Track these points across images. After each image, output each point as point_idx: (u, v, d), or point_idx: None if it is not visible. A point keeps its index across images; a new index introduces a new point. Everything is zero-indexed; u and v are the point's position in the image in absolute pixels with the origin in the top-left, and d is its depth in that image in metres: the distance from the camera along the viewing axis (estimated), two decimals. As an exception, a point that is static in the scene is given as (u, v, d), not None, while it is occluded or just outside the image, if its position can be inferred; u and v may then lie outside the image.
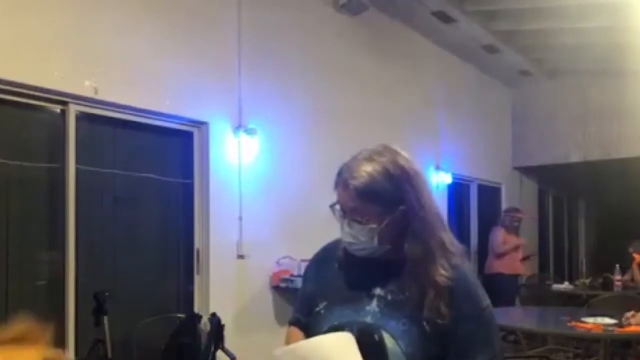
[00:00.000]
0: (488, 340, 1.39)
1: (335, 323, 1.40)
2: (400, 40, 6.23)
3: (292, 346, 1.40)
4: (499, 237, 7.08)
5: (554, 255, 10.07)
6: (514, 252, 7.04)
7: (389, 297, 1.38)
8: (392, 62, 6.08)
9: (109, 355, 3.28)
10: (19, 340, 1.23)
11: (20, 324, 1.24)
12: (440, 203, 7.20)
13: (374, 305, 1.39)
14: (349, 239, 1.39)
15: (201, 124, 4.22)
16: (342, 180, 1.39)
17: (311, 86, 5.04)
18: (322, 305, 1.46)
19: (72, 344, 3.44)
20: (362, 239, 1.37)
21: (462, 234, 7.41)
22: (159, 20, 3.91)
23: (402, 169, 1.39)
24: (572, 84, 7.95)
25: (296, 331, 1.54)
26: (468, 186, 7.87)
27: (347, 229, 1.38)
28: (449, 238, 1.41)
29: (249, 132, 4.36)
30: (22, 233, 3.37)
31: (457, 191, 7.46)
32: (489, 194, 8.16)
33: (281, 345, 1.50)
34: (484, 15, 6.13)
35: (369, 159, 1.41)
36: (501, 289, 6.98)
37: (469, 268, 1.44)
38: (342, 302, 1.42)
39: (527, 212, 7.78)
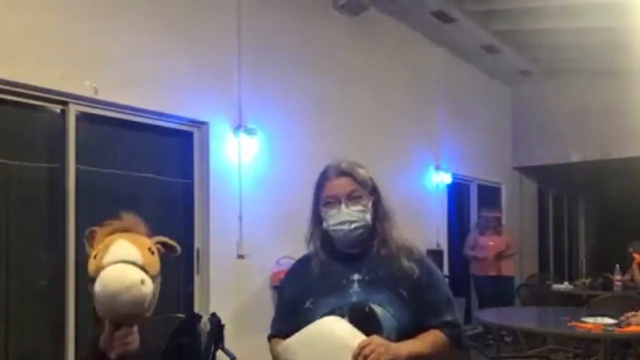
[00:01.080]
0: (449, 299, 1.74)
1: (326, 311, 1.62)
2: (400, 40, 6.23)
3: (290, 339, 1.57)
4: (468, 239, 7.07)
5: (554, 255, 10.06)
6: (487, 254, 6.77)
7: (367, 278, 1.67)
8: (392, 62, 6.08)
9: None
10: (128, 230, 1.46)
11: (128, 218, 1.50)
12: (440, 203, 7.26)
13: (355, 287, 1.66)
14: (348, 218, 1.67)
15: (201, 124, 4.22)
16: (334, 172, 1.73)
17: (311, 86, 5.04)
18: (309, 301, 1.68)
19: (72, 344, 3.44)
20: (359, 215, 1.68)
21: (462, 234, 7.40)
22: (159, 20, 3.90)
23: (371, 175, 1.79)
24: (572, 83, 7.94)
25: (280, 341, 1.68)
26: (468, 186, 7.87)
27: (346, 210, 1.68)
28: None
29: (249, 132, 4.36)
30: (22, 233, 3.37)
31: (457, 191, 7.46)
32: (489, 194, 8.16)
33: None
34: (483, 15, 6.13)
35: (350, 161, 1.78)
36: (476, 289, 7.10)
37: (421, 251, 1.81)
38: (327, 294, 1.66)
39: (499, 211, 7.44)
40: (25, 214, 3.39)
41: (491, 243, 6.85)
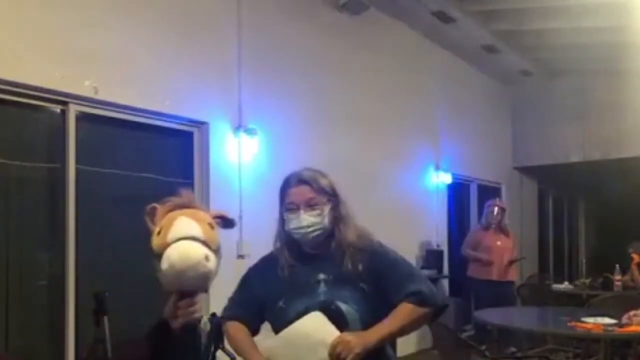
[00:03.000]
0: (410, 273, 1.85)
1: (300, 309, 1.77)
2: (400, 40, 6.23)
3: (273, 342, 1.73)
4: (469, 237, 6.34)
5: (554, 255, 10.06)
6: (494, 257, 5.93)
7: (331, 277, 1.82)
8: (392, 62, 6.08)
9: (109, 355, 3.28)
10: (188, 206, 1.49)
11: (186, 194, 1.51)
12: (440, 203, 7.19)
13: (322, 287, 1.81)
14: (306, 223, 1.85)
15: (201, 124, 4.22)
16: (295, 180, 1.91)
17: (311, 86, 5.04)
18: (281, 301, 1.83)
19: (72, 344, 3.44)
20: (316, 220, 1.84)
21: (462, 234, 7.40)
22: (159, 20, 3.90)
23: (333, 182, 1.93)
24: (572, 84, 7.94)
25: (238, 324, 1.88)
26: (468, 186, 7.87)
27: (304, 216, 1.85)
28: (360, 227, 1.92)
29: (249, 132, 4.36)
30: (22, 233, 3.37)
31: (457, 191, 7.46)
32: (489, 194, 8.13)
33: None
34: (483, 15, 6.13)
35: (312, 170, 1.94)
36: (474, 294, 6.27)
37: (377, 243, 1.92)
38: (298, 294, 1.82)
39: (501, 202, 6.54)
40: (25, 214, 3.39)
41: (499, 243, 6.02)
